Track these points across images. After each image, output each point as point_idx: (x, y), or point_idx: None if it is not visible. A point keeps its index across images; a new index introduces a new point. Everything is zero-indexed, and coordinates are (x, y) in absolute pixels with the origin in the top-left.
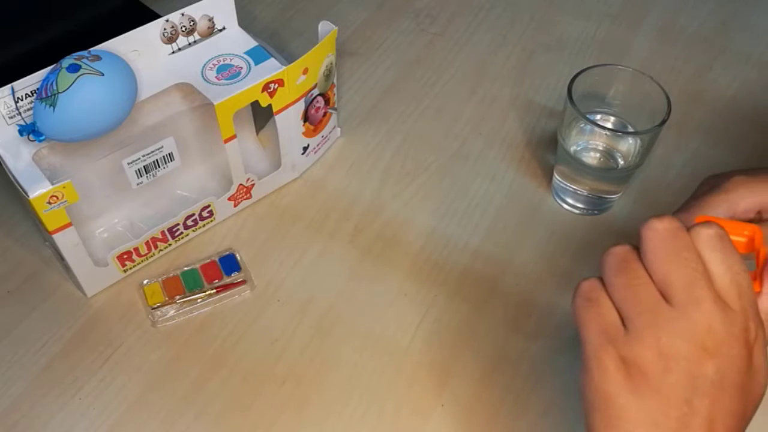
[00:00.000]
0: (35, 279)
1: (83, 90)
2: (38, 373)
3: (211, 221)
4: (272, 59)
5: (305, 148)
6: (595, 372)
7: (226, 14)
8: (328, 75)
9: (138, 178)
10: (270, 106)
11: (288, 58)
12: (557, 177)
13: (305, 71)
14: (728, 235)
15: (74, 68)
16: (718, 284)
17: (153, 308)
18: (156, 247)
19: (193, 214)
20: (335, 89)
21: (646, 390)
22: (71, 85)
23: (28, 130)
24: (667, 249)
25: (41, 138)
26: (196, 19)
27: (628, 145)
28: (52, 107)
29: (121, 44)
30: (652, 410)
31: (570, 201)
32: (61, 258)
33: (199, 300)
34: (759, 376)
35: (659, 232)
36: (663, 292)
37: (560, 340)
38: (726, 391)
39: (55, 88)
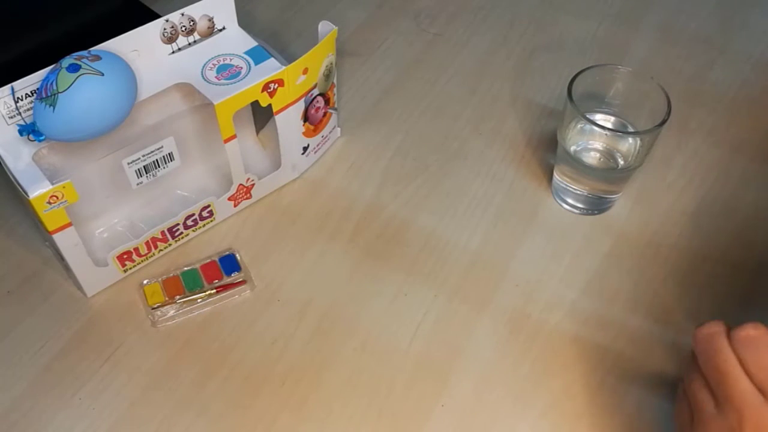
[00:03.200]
0: (35, 279)
1: (83, 90)
2: (38, 373)
3: (211, 221)
4: (272, 59)
5: (305, 148)
6: None
7: (226, 14)
8: (328, 75)
9: (138, 178)
10: (270, 106)
11: (288, 58)
12: (557, 177)
13: (305, 71)
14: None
15: (74, 68)
16: (756, 380)
17: (153, 308)
18: (156, 247)
19: (193, 214)
20: (335, 89)
21: None
22: (71, 85)
23: (28, 130)
24: (703, 354)
25: (41, 138)
26: (196, 19)
27: (628, 145)
28: (52, 107)
29: (121, 44)
30: None
31: (570, 201)
32: (61, 258)
33: (199, 300)
34: None
35: (698, 338)
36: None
37: (560, 340)
38: None
39: (55, 88)
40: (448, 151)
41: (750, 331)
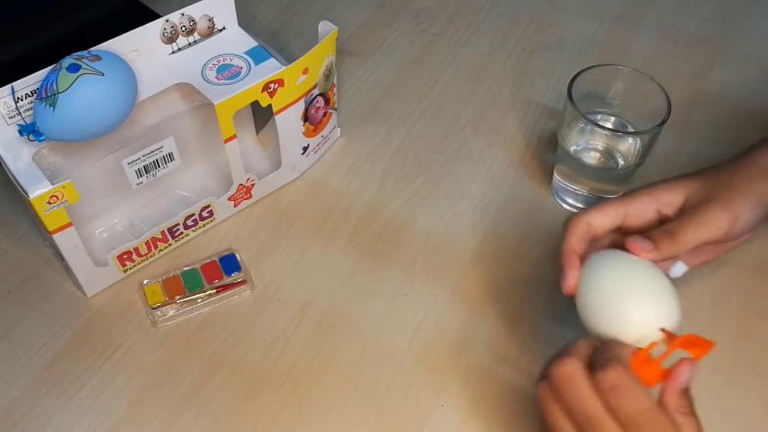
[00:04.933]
0: (35, 279)
1: (83, 90)
2: (38, 373)
3: (211, 221)
4: (272, 59)
5: (305, 148)
6: None
7: (226, 14)
8: (328, 75)
9: (138, 178)
10: (270, 106)
11: (288, 58)
12: (557, 177)
13: (305, 71)
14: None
15: (74, 68)
16: (621, 425)
17: (153, 308)
18: (156, 247)
19: (193, 214)
20: (335, 89)
21: None
22: (71, 85)
23: (28, 130)
24: (566, 396)
25: (41, 138)
26: (196, 19)
27: (628, 145)
28: (52, 107)
29: (121, 44)
30: None
31: (570, 201)
32: (61, 258)
33: (199, 300)
34: None
35: (555, 378)
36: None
37: (559, 340)
38: None
39: (55, 88)
40: (448, 151)
41: (613, 378)
